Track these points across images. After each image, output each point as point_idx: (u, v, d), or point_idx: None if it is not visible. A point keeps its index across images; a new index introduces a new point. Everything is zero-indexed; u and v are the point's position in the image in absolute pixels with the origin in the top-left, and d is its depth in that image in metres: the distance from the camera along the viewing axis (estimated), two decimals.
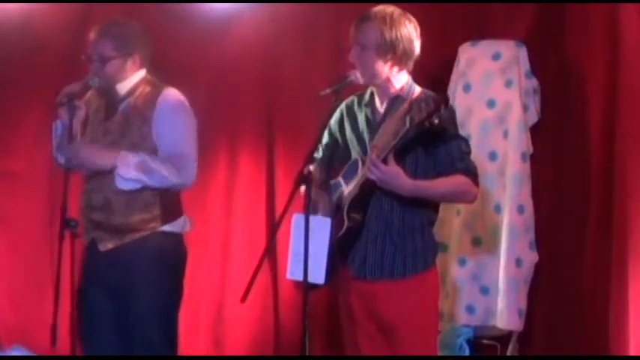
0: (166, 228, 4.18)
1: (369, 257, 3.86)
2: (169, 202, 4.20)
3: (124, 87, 4.20)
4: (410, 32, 3.85)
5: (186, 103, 4.23)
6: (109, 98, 4.20)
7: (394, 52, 3.83)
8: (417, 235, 3.87)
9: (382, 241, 3.85)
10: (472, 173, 3.81)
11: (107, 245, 4.16)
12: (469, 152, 3.85)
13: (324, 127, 3.98)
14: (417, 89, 3.88)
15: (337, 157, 4.01)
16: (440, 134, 3.71)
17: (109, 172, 4.12)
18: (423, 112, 3.59)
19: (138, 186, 4.10)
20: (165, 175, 4.08)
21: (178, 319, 4.27)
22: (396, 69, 3.86)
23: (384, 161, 3.68)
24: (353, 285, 3.89)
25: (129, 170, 4.07)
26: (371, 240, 3.86)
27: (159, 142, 4.13)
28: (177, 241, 4.23)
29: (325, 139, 4.06)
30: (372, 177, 3.71)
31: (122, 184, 4.10)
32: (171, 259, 4.21)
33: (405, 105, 3.70)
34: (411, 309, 3.81)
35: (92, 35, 4.19)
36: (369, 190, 3.79)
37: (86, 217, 4.22)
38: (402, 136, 3.64)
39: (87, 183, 4.25)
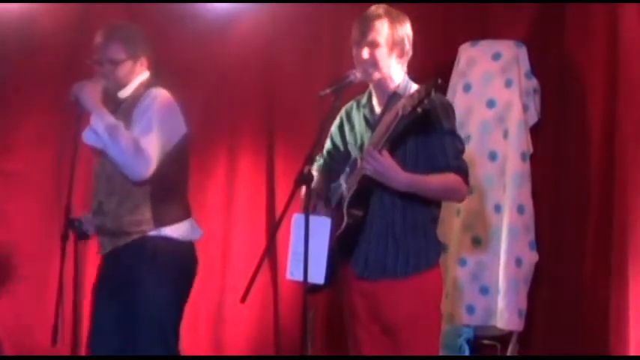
0: (165, 233, 4.12)
1: (371, 256, 3.86)
2: (164, 205, 4.14)
3: (125, 92, 4.20)
4: (410, 31, 3.90)
5: (167, 104, 4.16)
6: (116, 100, 4.19)
7: (401, 50, 3.88)
8: (420, 234, 3.87)
9: (384, 240, 3.86)
10: (464, 172, 3.83)
11: (107, 248, 4.17)
12: (463, 150, 3.88)
13: (324, 127, 3.99)
14: (414, 86, 3.89)
15: (339, 162, 4.01)
16: (432, 122, 3.73)
17: (102, 177, 4.16)
18: (415, 99, 3.61)
19: (98, 144, 4.06)
20: (122, 148, 4.00)
21: (177, 330, 4.19)
22: (398, 67, 3.90)
23: (380, 153, 3.69)
24: (356, 285, 3.89)
25: (99, 125, 4.04)
26: (373, 238, 3.86)
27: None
28: (175, 247, 4.14)
29: (327, 145, 4.10)
30: (368, 168, 3.71)
31: (86, 136, 4.09)
32: (168, 263, 4.12)
33: (402, 101, 3.73)
34: (414, 309, 3.81)
35: (99, 39, 4.17)
36: (368, 185, 3.80)
37: (95, 222, 4.24)
38: (396, 126, 3.65)
39: (92, 187, 4.28)
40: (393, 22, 3.86)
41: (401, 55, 3.89)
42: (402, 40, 3.88)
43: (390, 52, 3.86)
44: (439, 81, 3.66)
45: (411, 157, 3.80)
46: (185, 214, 4.22)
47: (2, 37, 5.77)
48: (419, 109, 3.61)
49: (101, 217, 4.16)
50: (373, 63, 3.85)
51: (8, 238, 5.82)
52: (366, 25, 3.85)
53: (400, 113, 3.63)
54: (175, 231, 4.15)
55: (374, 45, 3.84)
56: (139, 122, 4.08)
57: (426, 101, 3.61)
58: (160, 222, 4.12)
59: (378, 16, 3.86)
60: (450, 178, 3.80)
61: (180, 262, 4.19)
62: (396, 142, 3.74)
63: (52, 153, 5.77)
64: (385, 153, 3.70)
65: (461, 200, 4.02)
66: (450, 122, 3.83)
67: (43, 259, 5.64)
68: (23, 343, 5.73)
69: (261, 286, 5.61)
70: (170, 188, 4.19)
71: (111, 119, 4.06)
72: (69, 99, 4.11)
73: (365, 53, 3.85)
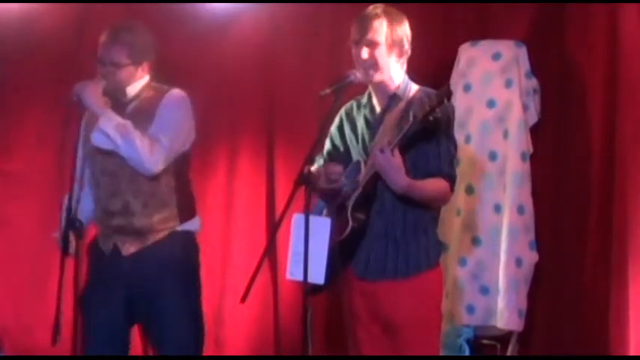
0: (186, 227, 4.24)
1: (372, 257, 3.87)
2: (184, 201, 4.25)
3: (132, 90, 4.22)
4: (409, 31, 3.90)
5: (189, 104, 4.25)
6: (117, 101, 4.20)
7: (401, 49, 3.87)
8: (421, 234, 3.88)
9: (385, 241, 3.86)
10: (453, 180, 3.87)
11: (130, 249, 4.19)
12: (455, 155, 3.90)
13: (324, 128, 3.99)
14: (414, 87, 3.90)
15: (339, 163, 4.01)
16: (437, 130, 3.73)
17: (124, 177, 4.16)
18: (426, 105, 3.62)
19: (109, 145, 4.09)
20: (137, 146, 4.05)
21: (203, 315, 4.35)
22: (398, 67, 3.90)
23: (392, 152, 3.71)
24: (356, 285, 3.90)
25: (108, 126, 4.06)
26: (374, 240, 3.87)
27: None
28: (193, 240, 4.30)
29: (327, 145, 4.10)
30: (376, 162, 3.72)
31: (96, 138, 4.10)
32: (192, 257, 4.29)
33: (403, 103, 3.73)
34: (414, 309, 3.81)
35: (104, 39, 4.19)
36: (372, 189, 3.80)
37: (104, 223, 4.24)
38: (407, 131, 3.66)
39: (98, 190, 4.26)
40: (392, 21, 3.86)
41: (400, 54, 3.89)
42: (401, 40, 3.88)
43: (389, 52, 3.86)
44: (451, 89, 3.67)
45: (411, 163, 3.81)
46: (195, 209, 4.34)
47: (2, 37, 5.77)
48: (431, 118, 3.62)
49: (127, 217, 4.17)
50: (373, 63, 3.85)
51: (8, 238, 5.81)
52: (365, 25, 3.85)
53: (411, 119, 3.64)
54: (193, 225, 4.29)
55: (373, 45, 3.84)
56: (162, 117, 4.13)
57: (437, 110, 3.61)
58: (183, 217, 4.23)
59: (377, 16, 3.86)
60: (440, 185, 3.83)
61: (197, 254, 4.33)
62: (405, 147, 3.75)
63: (52, 153, 5.76)
64: (397, 153, 3.70)
65: (443, 205, 4.02)
66: (449, 127, 3.84)
67: (43, 259, 5.64)
68: (23, 343, 5.72)
69: (261, 286, 5.60)
70: (186, 185, 4.30)
71: (119, 119, 4.09)
72: (70, 99, 4.12)
73: (364, 53, 3.85)
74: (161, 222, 4.18)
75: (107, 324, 4.19)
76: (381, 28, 3.84)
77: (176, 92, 4.23)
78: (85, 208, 4.22)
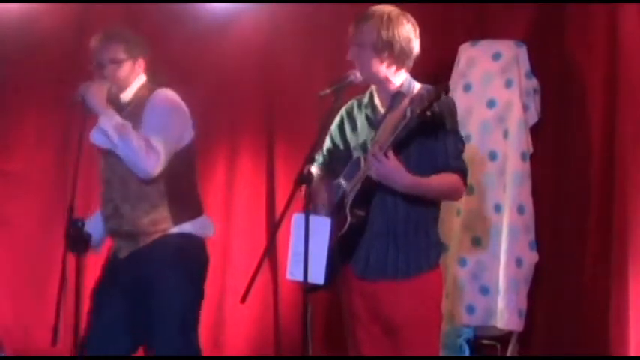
0: (182, 229, 4.19)
1: (373, 256, 3.86)
2: (179, 203, 4.20)
3: (127, 95, 4.23)
4: (408, 32, 3.87)
5: (177, 103, 4.22)
6: (115, 104, 4.20)
7: (391, 51, 3.84)
8: (422, 234, 3.87)
9: (385, 241, 3.85)
10: (464, 173, 3.85)
11: (124, 252, 4.20)
12: (463, 150, 3.88)
13: (324, 128, 3.99)
14: (417, 85, 3.89)
15: (338, 162, 4.01)
16: (439, 125, 3.73)
17: (115, 182, 4.18)
18: (425, 101, 3.61)
19: (107, 144, 4.09)
20: (134, 147, 4.04)
21: (198, 323, 4.26)
22: (393, 68, 3.88)
23: (385, 155, 3.70)
24: (356, 285, 3.89)
25: (107, 125, 4.06)
26: (374, 239, 3.86)
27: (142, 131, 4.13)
28: (194, 243, 4.24)
29: (326, 144, 4.08)
30: (372, 170, 3.72)
31: (94, 137, 4.12)
32: (186, 259, 4.21)
33: (406, 100, 3.73)
34: (414, 309, 3.81)
35: (97, 42, 4.21)
36: (371, 186, 3.80)
37: (107, 227, 4.26)
38: (403, 128, 3.66)
39: (102, 192, 4.29)
40: (382, 22, 3.82)
41: (393, 55, 3.84)
42: (392, 41, 3.82)
43: (376, 54, 3.83)
44: (449, 85, 3.67)
45: (414, 159, 3.80)
46: (200, 211, 4.30)
47: (2, 37, 5.77)
48: (428, 113, 3.62)
49: (118, 220, 4.18)
50: (360, 64, 3.85)
51: (8, 239, 5.82)
52: (355, 26, 3.87)
53: (409, 115, 3.64)
54: (193, 227, 4.23)
55: (359, 46, 3.85)
56: (150, 120, 4.12)
57: (435, 104, 3.61)
58: (178, 219, 4.18)
59: (367, 17, 3.86)
60: (450, 179, 3.81)
61: (200, 257, 4.28)
62: (402, 144, 3.74)
63: (52, 153, 5.77)
64: (391, 155, 3.70)
65: (458, 199, 4.05)
66: (453, 122, 3.83)
67: (43, 259, 5.64)
68: (23, 343, 5.73)
69: (261, 286, 5.60)
70: (184, 186, 4.26)
71: (119, 119, 4.09)
72: (75, 99, 4.12)
73: (350, 54, 3.86)
74: (151, 224, 4.15)
75: (109, 325, 4.19)
76: (367, 30, 3.83)
77: (161, 92, 4.21)
78: (96, 226, 4.24)
